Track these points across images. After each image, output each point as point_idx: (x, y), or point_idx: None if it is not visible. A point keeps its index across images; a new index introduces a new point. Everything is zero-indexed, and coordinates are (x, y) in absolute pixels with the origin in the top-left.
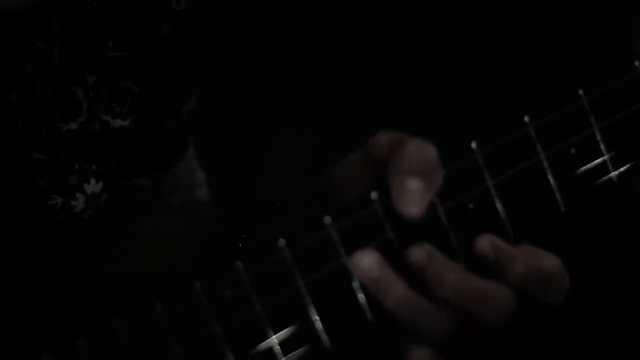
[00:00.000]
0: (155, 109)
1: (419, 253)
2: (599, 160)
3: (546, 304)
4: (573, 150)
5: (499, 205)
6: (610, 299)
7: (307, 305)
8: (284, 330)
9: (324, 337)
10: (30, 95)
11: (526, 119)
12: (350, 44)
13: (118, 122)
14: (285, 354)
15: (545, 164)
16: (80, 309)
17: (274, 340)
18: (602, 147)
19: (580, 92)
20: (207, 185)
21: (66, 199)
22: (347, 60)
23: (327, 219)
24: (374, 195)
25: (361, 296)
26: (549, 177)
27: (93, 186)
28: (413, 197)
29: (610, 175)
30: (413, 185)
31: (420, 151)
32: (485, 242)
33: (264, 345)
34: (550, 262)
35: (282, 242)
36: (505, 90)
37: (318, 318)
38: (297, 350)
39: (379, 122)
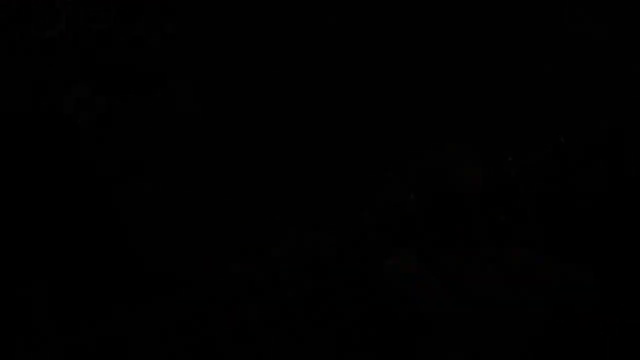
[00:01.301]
0: (135, 24)
1: (451, 258)
2: None
3: (576, 313)
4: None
5: (530, 218)
6: None
7: None
8: None
9: None
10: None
11: (562, 139)
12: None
13: (96, 27)
14: None
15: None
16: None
17: None
18: None
19: None
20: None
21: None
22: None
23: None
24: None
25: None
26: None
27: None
28: None
29: None
30: None
31: None
32: (516, 254)
33: None
34: (581, 272)
35: None
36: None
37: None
38: None
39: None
